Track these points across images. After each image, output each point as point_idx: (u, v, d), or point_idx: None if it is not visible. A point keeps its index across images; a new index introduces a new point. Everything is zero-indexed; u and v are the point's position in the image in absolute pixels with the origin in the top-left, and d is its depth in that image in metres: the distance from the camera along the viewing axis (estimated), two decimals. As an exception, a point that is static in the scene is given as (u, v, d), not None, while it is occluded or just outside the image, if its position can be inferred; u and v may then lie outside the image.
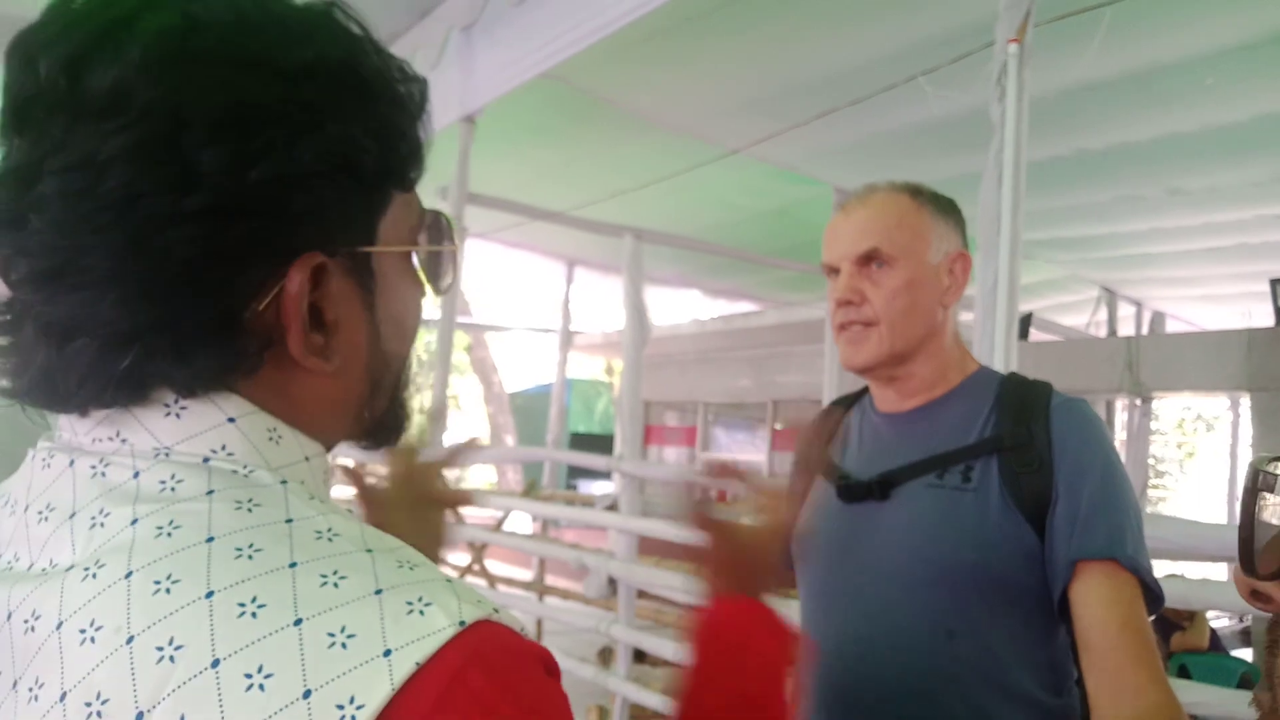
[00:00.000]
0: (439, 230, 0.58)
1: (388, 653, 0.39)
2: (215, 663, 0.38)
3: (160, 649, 0.39)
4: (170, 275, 0.45)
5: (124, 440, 0.48)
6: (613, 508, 4.80)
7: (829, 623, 1.20)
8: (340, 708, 0.37)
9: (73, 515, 0.46)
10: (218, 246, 0.45)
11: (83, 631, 0.41)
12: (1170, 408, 10.51)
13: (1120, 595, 1.04)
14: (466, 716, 0.39)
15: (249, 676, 0.38)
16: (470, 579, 6.34)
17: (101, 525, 0.44)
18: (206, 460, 0.47)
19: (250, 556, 0.42)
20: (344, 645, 0.39)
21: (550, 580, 6.31)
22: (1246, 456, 8.04)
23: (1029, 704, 1.09)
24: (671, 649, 3.54)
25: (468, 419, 16.15)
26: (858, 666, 1.14)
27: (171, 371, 0.47)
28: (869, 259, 1.19)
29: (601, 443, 13.27)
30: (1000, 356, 2.23)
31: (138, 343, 0.45)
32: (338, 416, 0.55)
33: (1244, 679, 3.50)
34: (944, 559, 1.10)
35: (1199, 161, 4.56)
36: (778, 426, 10.04)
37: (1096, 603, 1.04)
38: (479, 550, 6.55)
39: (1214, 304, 7.97)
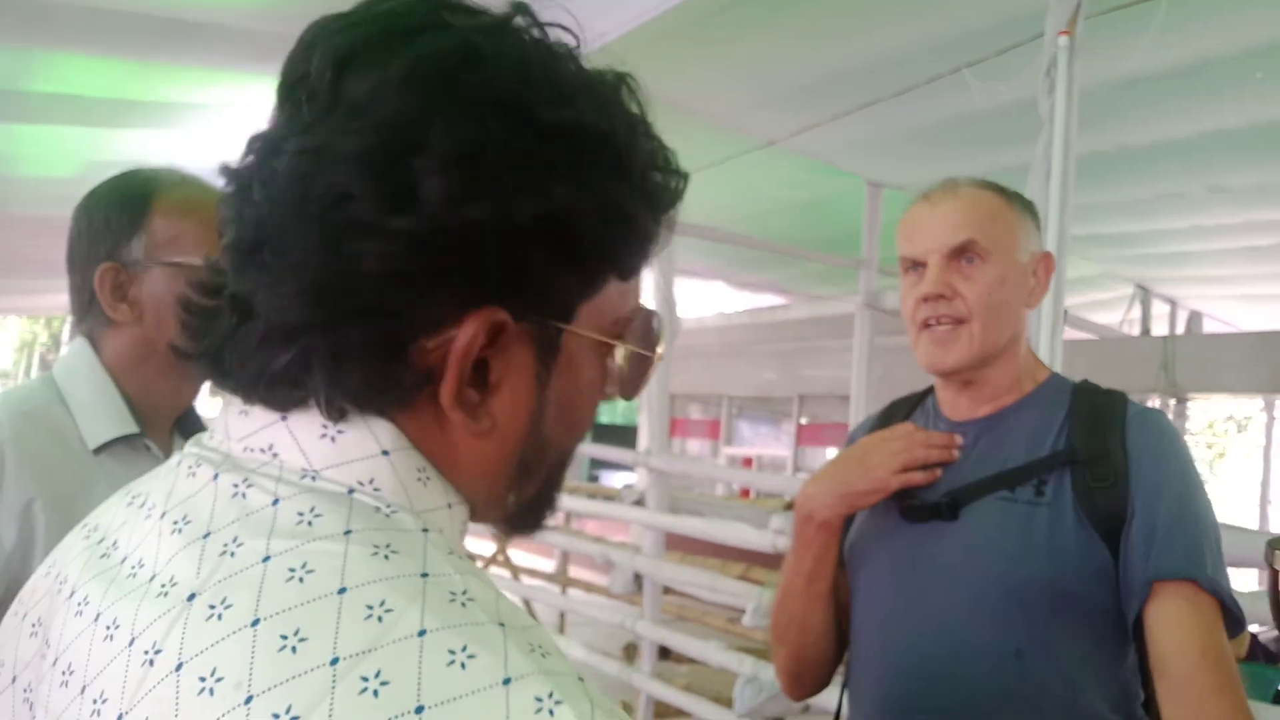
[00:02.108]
0: (648, 333, 0.55)
1: None
2: None
3: (277, 716, 0.36)
4: (351, 284, 0.44)
5: (275, 455, 0.47)
6: (639, 502, 4.77)
7: (890, 640, 1.16)
8: None
9: (207, 535, 0.44)
10: (406, 272, 0.44)
11: (203, 680, 0.38)
12: (1203, 409, 10.36)
13: (1200, 619, 0.99)
14: None
15: None
16: (494, 569, 6.35)
17: (233, 555, 0.42)
18: (351, 492, 0.45)
19: (380, 618, 0.39)
20: None
21: (573, 572, 6.30)
22: (1282, 460, 7.91)
23: None
24: (696, 646, 3.51)
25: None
26: (921, 687, 1.10)
27: (326, 383, 0.46)
28: (961, 252, 1.14)
29: (623, 434, 13.26)
30: (1045, 355, 2.18)
31: (299, 341, 0.45)
32: (481, 484, 0.52)
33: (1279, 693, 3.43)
34: (1014, 576, 1.06)
35: (1243, 158, 4.47)
36: (803, 421, 9.98)
37: (1175, 627, 0.99)
38: (503, 541, 6.55)
39: (1252, 304, 7.82)
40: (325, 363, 0.45)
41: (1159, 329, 7.81)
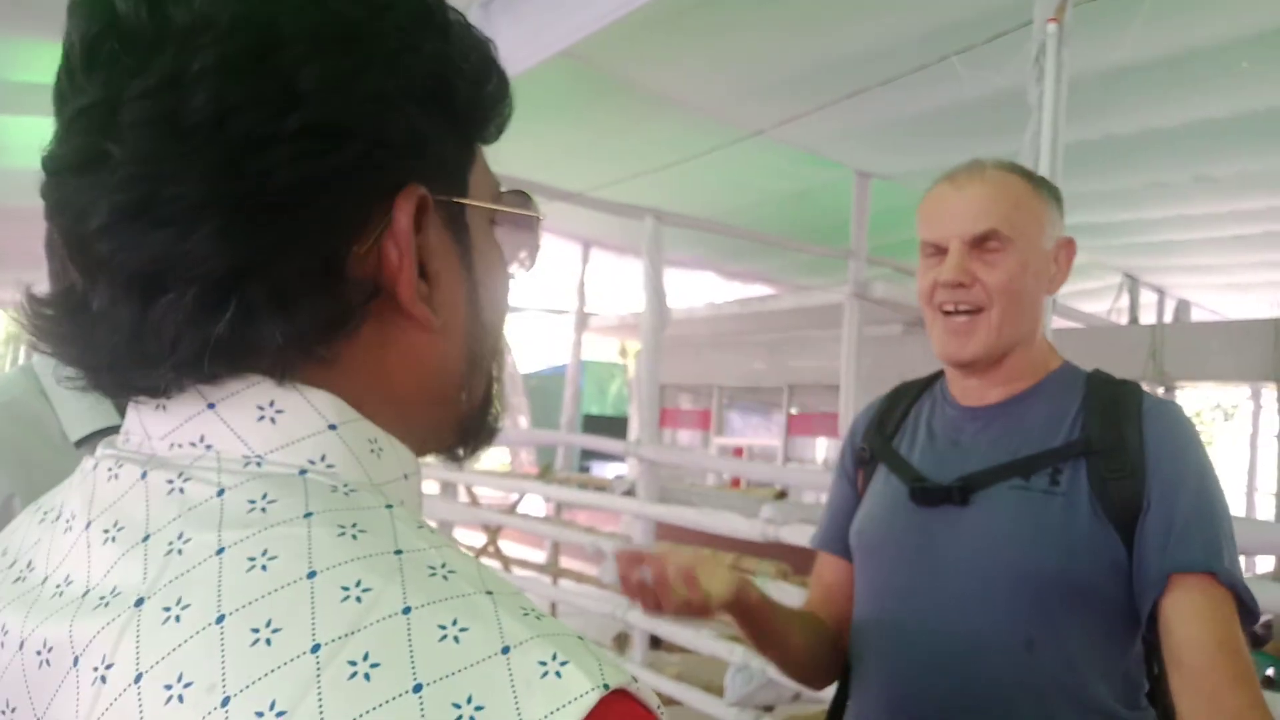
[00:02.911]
0: (524, 197, 0.53)
1: None
2: None
3: (260, 714, 0.33)
4: (267, 205, 0.40)
5: (209, 446, 0.42)
6: (630, 492, 4.77)
7: (899, 626, 1.15)
8: None
9: (146, 538, 0.40)
10: (319, 172, 0.41)
11: (169, 688, 0.35)
12: (1191, 397, 10.43)
13: (1217, 612, 0.99)
14: None
15: None
16: (485, 560, 6.34)
17: (180, 552, 0.39)
18: (303, 473, 0.42)
19: (358, 599, 0.36)
20: (479, 718, 0.33)
21: (564, 563, 6.31)
22: (1269, 447, 7.97)
23: (1104, 716, 1.05)
24: (688, 635, 3.52)
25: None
26: (929, 675, 1.10)
27: (272, 329, 0.41)
28: (984, 239, 1.11)
29: (614, 425, 13.27)
30: (1033, 345, 2.19)
31: (235, 293, 0.40)
32: (436, 398, 0.49)
33: (1268, 677, 3.47)
34: (1027, 565, 1.05)
35: (1229, 148, 4.48)
36: (793, 411, 10.00)
37: (1192, 619, 0.99)
38: (494, 532, 6.55)
39: (1239, 292, 7.87)
40: (267, 308, 0.41)
41: (1147, 318, 7.85)
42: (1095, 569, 1.04)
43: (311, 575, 0.37)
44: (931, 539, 1.13)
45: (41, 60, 3.51)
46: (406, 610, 0.36)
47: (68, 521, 0.44)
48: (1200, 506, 1.03)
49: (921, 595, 1.12)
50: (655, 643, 4.29)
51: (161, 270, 0.40)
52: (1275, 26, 3.27)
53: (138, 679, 0.36)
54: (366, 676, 0.34)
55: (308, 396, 0.43)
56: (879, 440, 1.26)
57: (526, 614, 0.38)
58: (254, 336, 0.41)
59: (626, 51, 3.94)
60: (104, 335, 0.42)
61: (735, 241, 6.61)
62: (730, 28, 3.70)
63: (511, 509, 6.40)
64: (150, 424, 0.44)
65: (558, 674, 0.35)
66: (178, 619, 0.36)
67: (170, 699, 0.35)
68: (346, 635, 0.35)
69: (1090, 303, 7.90)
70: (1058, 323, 7.05)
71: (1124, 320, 7.68)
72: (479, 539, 6.68)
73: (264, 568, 0.37)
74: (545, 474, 6.30)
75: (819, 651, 1.26)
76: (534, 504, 7.34)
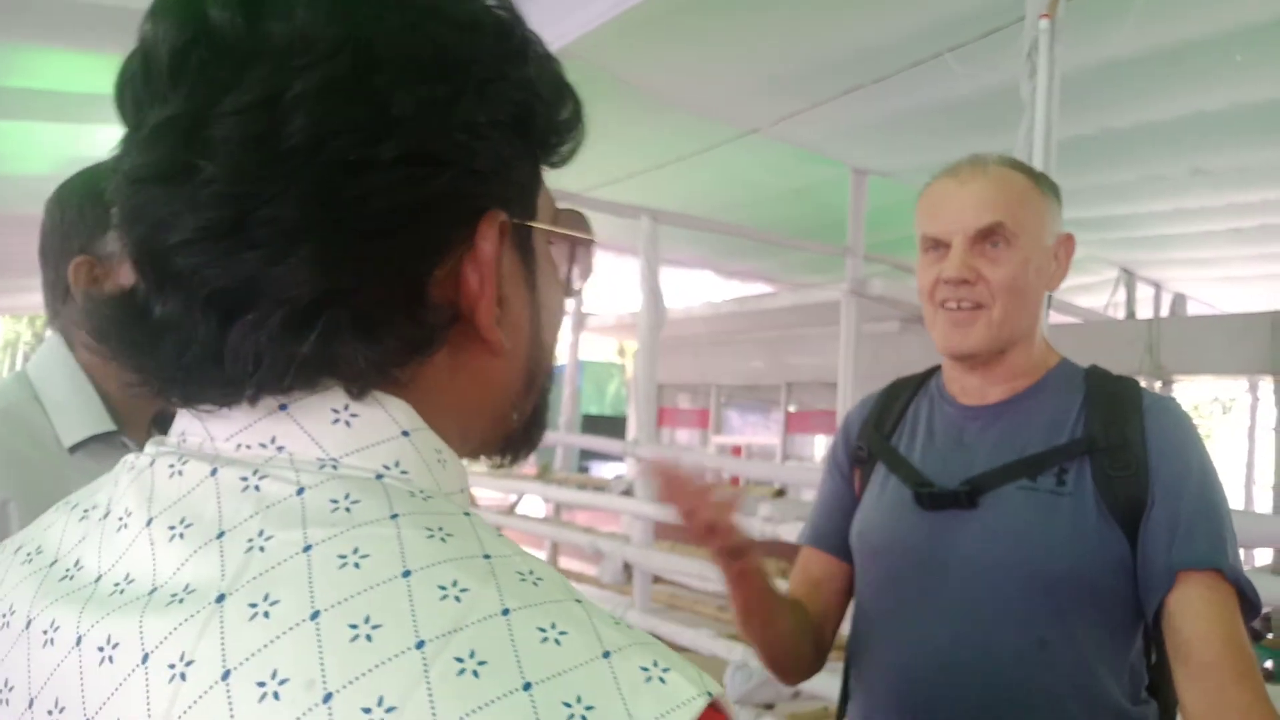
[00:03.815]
0: (581, 219, 0.54)
1: None
2: None
3: (368, 710, 0.33)
4: (361, 231, 0.40)
5: (280, 448, 0.42)
6: (628, 492, 4.77)
7: (907, 634, 1.14)
8: None
9: (221, 535, 0.39)
10: (413, 200, 0.41)
11: (262, 685, 0.34)
12: (1189, 391, 10.44)
13: (1223, 608, 1.00)
14: None
15: None
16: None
17: (261, 549, 0.38)
18: (380, 477, 0.41)
19: (457, 598, 0.36)
20: (590, 717, 0.33)
21: (563, 563, 6.31)
22: (1266, 440, 7.98)
23: (1112, 712, 1.06)
24: (687, 634, 3.52)
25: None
26: (941, 680, 1.09)
27: (355, 352, 0.41)
28: (988, 235, 1.11)
29: (613, 424, 13.25)
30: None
31: (320, 317, 0.40)
32: (494, 416, 0.50)
33: (1266, 670, 3.47)
34: (1038, 566, 1.06)
35: (1225, 141, 4.49)
36: (791, 409, 10.00)
37: (1198, 615, 1.00)
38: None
39: (1235, 286, 7.87)
40: (352, 331, 0.41)
41: (1144, 312, 7.86)
42: (1104, 567, 1.04)
43: (406, 574, 0.36)
44: (939, 542, 1.12)
45: (28, 66, 3.50)
46: (505, 612, 0.36)
47: (120, 519, 0.43)
48: (1204, 503, 1.03)
49: (931, 598, 1.11)
50: (656, 642, 4.29)
51: (247, 291, 0.40)
52: (1268, 19, 3.27)
53: (225, 676, 0.35)
54: (475, 674, 0.34)
55: (384, 402, 0.43)
56: (877, 439, 1.25)
57: (618, 623, 0.38)
58: (336, 357, 0.41)
59: (621, 51, 3.94)
60: (172, 348, 0.42)
61: (732, 240, 6.60)
62: (724, 26, 3.70)
63: (510, 509, 6.40)
64: (214, 426, 0.44)
65: (661, 679, 0.35)
66: (266, 615, 0.36)
67: (264, 696, 0.34)
68: (450, 633, 0.35)
69: (1087, 297, 7.90)
70: (1055, 318, 7.05)
71: (1121, 315, 7.68)
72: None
73: (356, 565, 0.37)
74: (544, 474, 6.30)
75: (801, 642, 1.25)
76: (533, 504, 7.34)
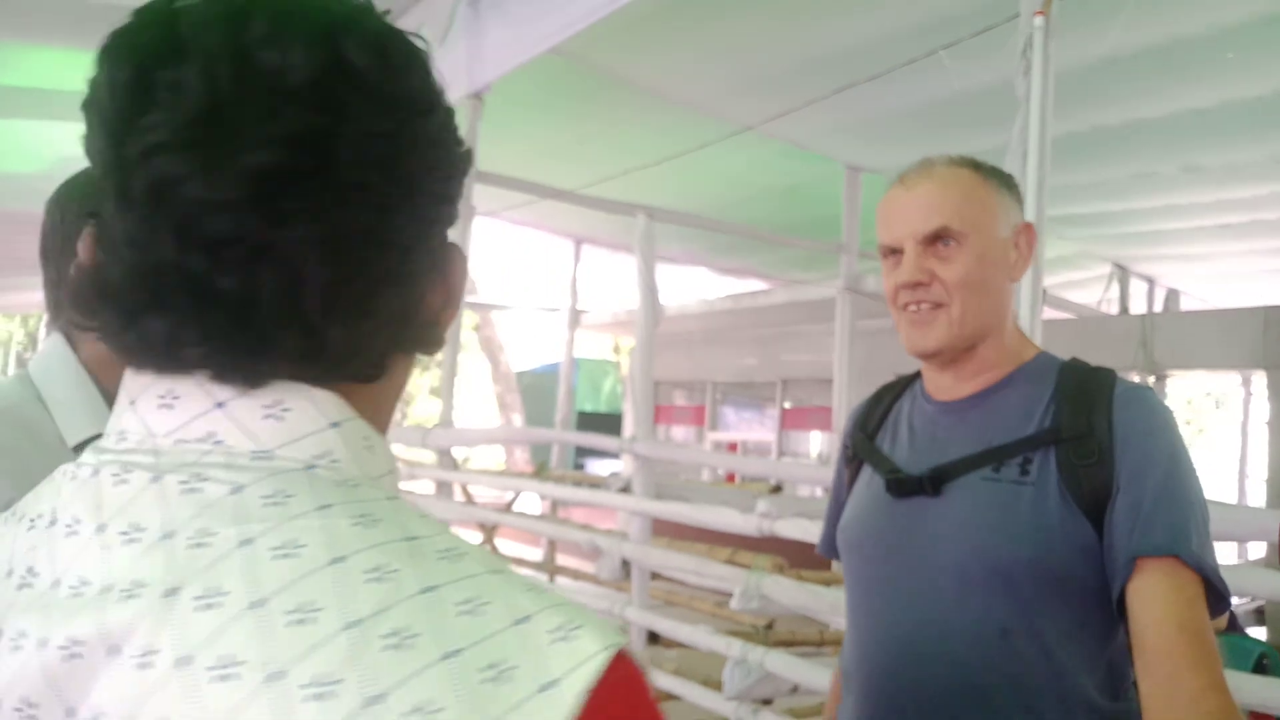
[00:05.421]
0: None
1: (552, 684, 0.38)
2: (376, 698, 0.37)
3: (310, 685, 0.37)
4: (437, 248, 0.51)
5: (218, 441, 0.45)
6: (626, 489, 4.78)
7: (876, 619, 1.16)
8: None
9: (168, 535, 0.42)
10: (450, 224, 0.53)
11: (214, 668, 0.38)
12: (1182, 386, 10.48)
13: (1180, 594, 0.98)
14: None
15: (415, 712, 0.36)
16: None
17: (207, 545, 0.41)
18: (310, 468, 0.45)
19: (382, 580, 0.40)
20: (508, 678, 0.38)
21: (561, 560, 6.31)
22: (1259, 434, 8.01)
23: (1085, 707, 1.05)
24: (685, 631, 3.53)
25: (475, 398, 16.17)
26: (906, 665, 1.11)
27: (394, 341, 0.50)
28: (936, 238, 1.13)
29: (608, 422, 13.27)
30: (1025, 333, 2.19)
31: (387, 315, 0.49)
32: (390, 416, 0.56)
33: (1261, 662, 3.48)
34: (999, 555, 1.06)
35: (1216, 137, 4.51)
36: (787, 405, 10.02)
37: (1154, 601, 0.99)
38: (490, 531, 6.55)
39: (1227, 281, 7.91)
40: (398, 323, 0.49)
41: (1137, 307, 7.88)
42: (1068, 557, 1.04)
43: (337, 560, 0.41)
44: (906, 530, 1.14)
45: (21, 65, 3.49)
46: (428, 590, 0.40)
47: (69, 526, 0.44)
48: (1168, 490, 1.03)
49: (898, 586, 1.13)
50: (653, 638, 4.30)
51: (379, 303, 0.49)
52: (1259, 16, 3.29)
53: (186, 661, 0.38)
54: (404, 647, 0.38)
55: (311, 396, 0.47)
56: (861, 438, 1.28)
57: (533, 589, 0.42)
58: (383, 347, 0.50)
59: (615, 48, 3.94)
60: (233, 322, 0.46)
61: (727, 237, 6.62)
62: (719, 23, 3.70)
63: (507, 508, 6.40)
64: (154, 422, 0.46)
65: (571, 637, 0.40)
66: (212, 605, 0.39)
67: (220, 678, 0.37)
68: (380, 611, 0.39)
69: (1080, 293, 7.93)
70: (1048, 314, 7.07)
71: (1114, 310, 7.70)
72: (476, 538, 6.68)
73: (293, 555, 0.40)
74: (540, 472, 6.30)
75: None
76: (530, 502, 7.35)
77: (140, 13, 0.46)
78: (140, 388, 0.47)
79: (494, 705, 0.37)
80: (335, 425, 0.47)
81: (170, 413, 0.46)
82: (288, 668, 0.37)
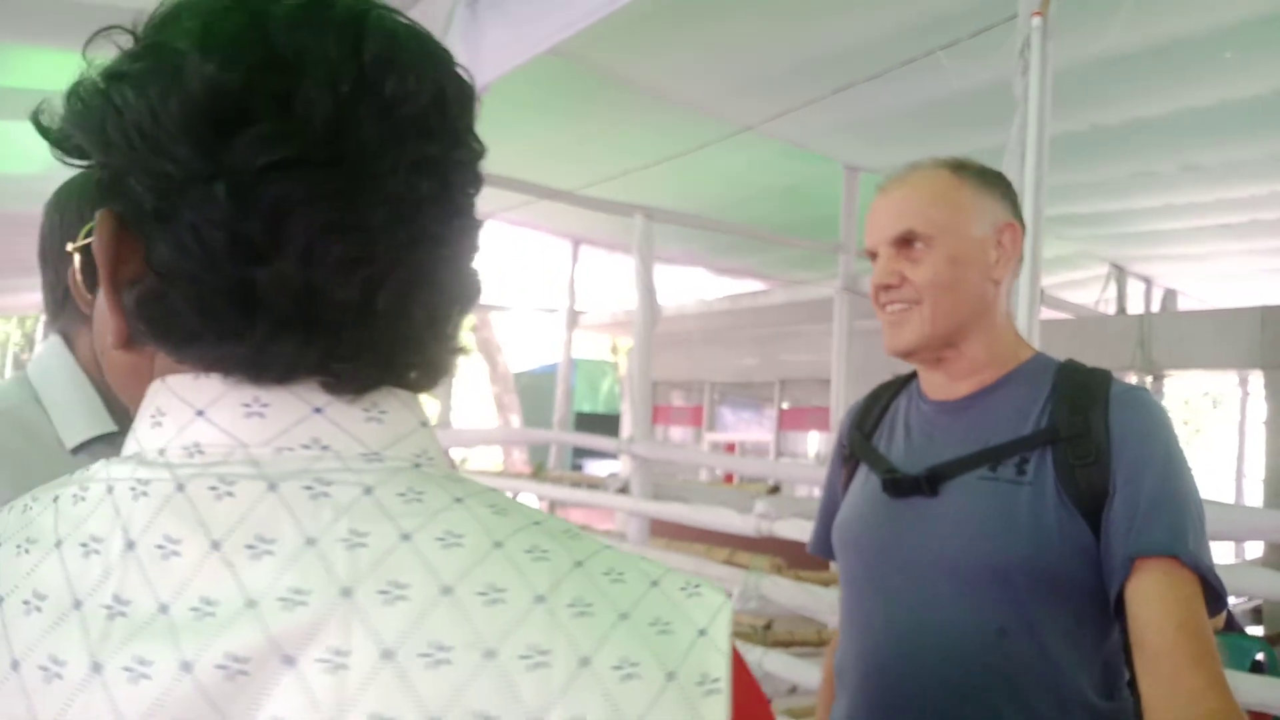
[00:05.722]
0: None
1: (703, 631, 0.43)
2: (585, 660, 0.40)
3: (527, 657, 0.40)
4: (465, 265, 0.51)
5: (325, 447, 0.45)
6: (624, 490, 4.78)
7: (872, 619, 1.16)
8: (700, 684, 0.42)
9: (310, 542, 0.41)
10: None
11: (425, 655, 0.39)
12: (1179, 385, 10.50)
13: (1179, 594, 0.99)
14: (748, 679, 0.46)
15: (618, 669, 0.40)
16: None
17: (363, 545, 0.41)
18: (417, 466, 0.47)
19: (542, 559, 0.43)
20: (671, 631, 0.43)
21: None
22: (1256, 434, 8.02)
23: (1081, 706, 1.05)
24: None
25: (472, 398, 16.17)
26: (902, 664, 1.11)
27: (444, 347, 0.51)
28: (906, 241, 1.15)
29: (606, 422, 13.27)
30: (1023, 334, 2.19)
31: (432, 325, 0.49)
32: None
33: (1257, 662, 3.49)
34: (996, 555, 1.06)
35: (1215, 137, 4.51)
36: (785, 406, 10.02)
37: (1153, 601, 0.99)
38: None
39: (1226, 281, 7.92)
40: (443, 330, 0.50)
41: (1135, 307, 7.89)
42: (1064, 557, 1.05)
43: (499, 545, 0.43)
44: (902, 530, 1.14)
45: (17, 65, 3.48)
46: (579, 564, 0.44)
47: (161, 548, 0.41)
48: (1165, 490, 1.03)
49: (894, 586, 1.13)
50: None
51: (446, 311, 0.51)
52: (1258, 16, 3.29)
53: (387, 655, 0.39)
54: (587, 614, 0.42)
55: (399, 397, 0.49)
56: (858, 438, 1.28)
57: (640, 558, 0.47)
58: (435, 352, 0.51)
59: (614, 49, 3.94)
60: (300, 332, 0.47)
61: (725, 237, 6.61)
62: (718, 23, 3.70)
63: (505, 508, 6.39)
64: (244, 431, 0.44)
65: (698, 593, 0.45)
66: (400, 598, 0.40)
67: (432, 664, 0.39)
68: (554, 586, 0.42)
69: (1078, 293, 7.93)
70: (1046, 314, 7.07)
71: (1112, 310, 7.71)
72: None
73: (459, 545, 0.42)
74: (538, 473, 6.30)
75: None
76: (528, 503, 7.34)
77: (204, 10, 0.45)
78: (210, 397, 0.45)
79: (671, 654, 0.42)
80: (424, 424, 0.49)
81: (262, 421, 0.45)
82: (497, 645, 0.40)
